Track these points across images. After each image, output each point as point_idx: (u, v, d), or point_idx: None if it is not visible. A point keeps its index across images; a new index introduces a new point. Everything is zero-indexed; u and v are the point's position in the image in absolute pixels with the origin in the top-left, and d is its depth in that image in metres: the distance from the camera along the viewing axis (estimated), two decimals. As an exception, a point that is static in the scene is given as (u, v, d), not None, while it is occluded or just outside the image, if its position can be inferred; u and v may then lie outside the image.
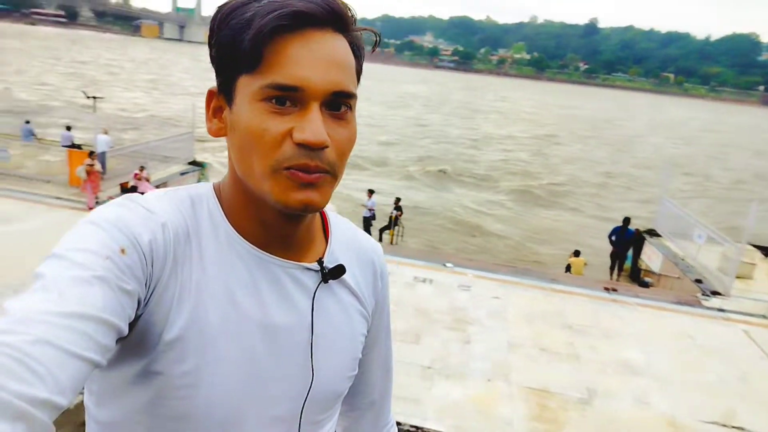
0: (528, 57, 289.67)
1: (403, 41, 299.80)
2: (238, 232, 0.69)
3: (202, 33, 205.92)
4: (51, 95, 33.06)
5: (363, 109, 49.60)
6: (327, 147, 0.62)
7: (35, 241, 8.92)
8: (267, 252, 0.70)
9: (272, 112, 0.61)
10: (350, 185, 20.18)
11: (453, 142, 34.28)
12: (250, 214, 0.69)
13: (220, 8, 0.64)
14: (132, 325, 0.60)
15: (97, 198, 10.98)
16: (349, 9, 0.65)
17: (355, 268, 0.81)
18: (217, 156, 22.03)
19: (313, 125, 0.61)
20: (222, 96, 0.66)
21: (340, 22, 0.64)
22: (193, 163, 15.38)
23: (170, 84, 52.71)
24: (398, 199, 13.35)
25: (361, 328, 0.82)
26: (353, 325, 0.80)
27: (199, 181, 15.17)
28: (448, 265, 10.09)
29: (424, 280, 9.19)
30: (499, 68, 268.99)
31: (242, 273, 0.68)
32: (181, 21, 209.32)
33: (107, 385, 0.66)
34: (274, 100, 0.61)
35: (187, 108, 35.71)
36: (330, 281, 0.75)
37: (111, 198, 11.48)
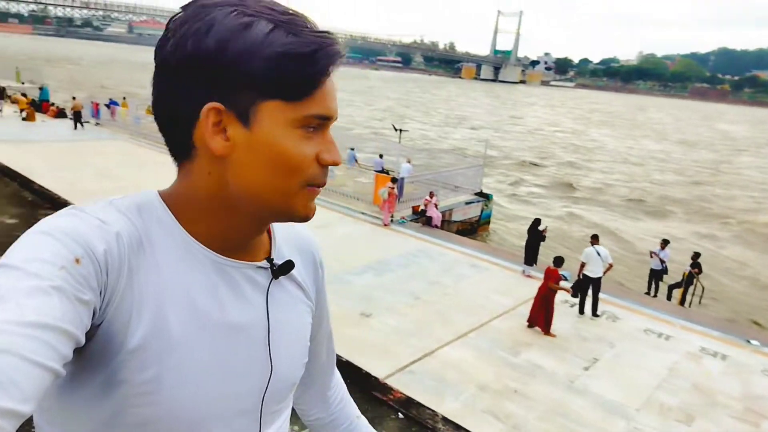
0: None
1: (742, 77, 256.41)
2: (192, 237, 0.71)
3: (516, 74, 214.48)
4: (372, 126, 38.99)
5: (652, 145, 44.54)
6: None
7: (339, 244, 10.66)
8: (221, 255, 0.72)
9: (305, 137, 0.67)
10: (634, 232, 18.27)
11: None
12: (218, 222, 0.71)
13: (216, 25, 0.63)
14: (90, 336, 0.61)
15: (391, 216, 12.48)
16: None
17: (299, 261, 0.84)
18: (502, 187, 22.56)
19: (335, 148, 0.70)
20: (232, 114, 0.65)
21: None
22: (479, 194, 16.11)
23: (462, 118, 56.75)
24: (697, 254, 11.49)
25: (308, 318, 0.87)
26: (302, 316, 0.85)
27: (482, 212, 15.83)
28: (754, 342, 8.24)
29: (714, 354, 7.71)
30: None
31: (199, 276, 0.69)
32: (497, 62, 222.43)
33: (64, 400, 0.65)
34: (310, 128, 0.67)
35: (466, 138, 38.30)
36: (279, 277, 0.79)
37: (403, 218, 12.94)
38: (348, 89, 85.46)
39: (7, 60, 43.93)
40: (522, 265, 10.30)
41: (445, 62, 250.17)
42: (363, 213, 12.94)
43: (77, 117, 20.67)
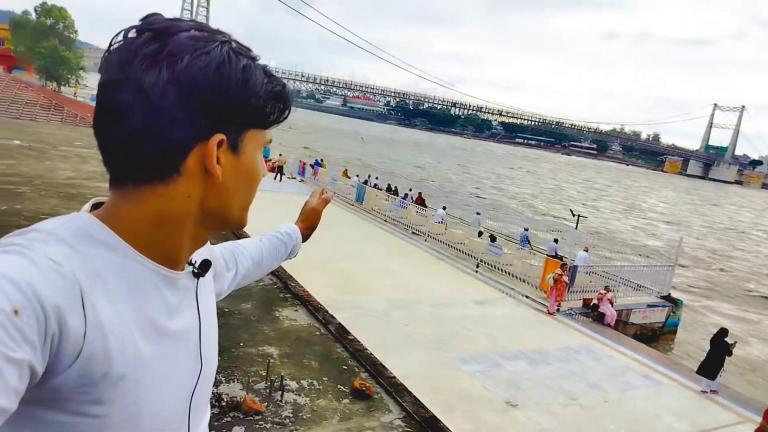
0: None
1: None
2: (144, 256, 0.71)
3: (731, 173, 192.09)
4: (524, 202, 37.61)
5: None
6: None
7: (496, 323, 10.26)
8: (170, 269, 0.73)
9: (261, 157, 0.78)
10: None
11: None
12: (176, 240, 0.72)
13: (224, 65, 0.67)
14: (59, 384, 0.60)
15: (558, 305, 11.68)
16: None
17: (204, 254, 0.85)
18: (695, 297, 19.83)
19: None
20: (226, 143, 0.70)
21: None
22: (667, 297, 14.34)
23: (635, 207, 52.35)
24: None
25: (215, 302, 0.92)
26: (214, 305, 0.90)
27: (668, 318, 14.05)
28: None
29: None
30: None
31: (154, 294, 0.71)
32: (708, 159, 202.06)
33: None
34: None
35: (631, 227, 34.43)
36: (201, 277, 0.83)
37: (571, 309, 12.02)
38: (526, 168, 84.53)
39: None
40: (702, 380, 8.87)
41: (647, 153, 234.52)
42: (527, 296, 12.33)
43: (280, 170, 24.66)
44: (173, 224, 0.71)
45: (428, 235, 16.81)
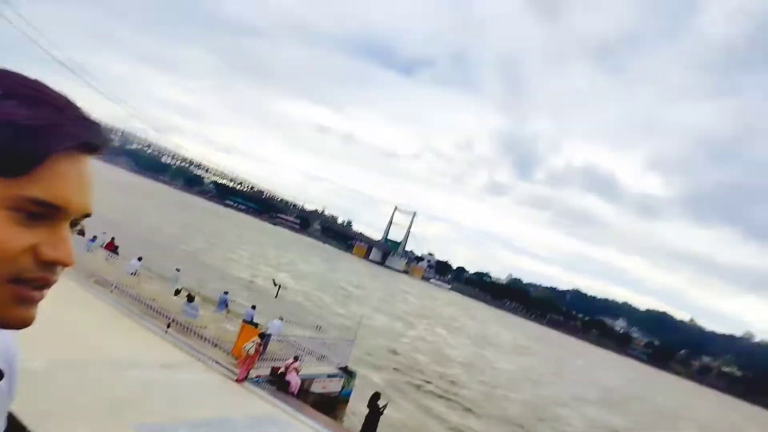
0: (739, 374, 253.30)
1: (592, 318, 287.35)
2: None
3: (401, 264, 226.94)
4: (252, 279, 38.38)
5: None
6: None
7: (181, 390, 9.54)
8: None
9: (18, 224, 0.57)
10: None
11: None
12: None
13: None
14: None
15: (247, 373, 11.58)
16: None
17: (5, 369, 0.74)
18: (369, 370, 22.26)
19: (67, 245, 0.60)
20: None
21: (102, 149, 0.63)
22: (344, 369, 15.66)
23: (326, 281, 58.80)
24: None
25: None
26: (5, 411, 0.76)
27: (343, 388, 15.28)
28: None
29: None
30: (702, 376, 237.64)
31: None
32: (386, 249, 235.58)
33: None
34: (24, 213, 0.57)
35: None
36: None
37: (258, 376, 12.04)
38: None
39: None
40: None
41: (340, 236, 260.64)
42: (217, 362, 11.93)
43: None
44: None
45: (115, 287, 15.03)
